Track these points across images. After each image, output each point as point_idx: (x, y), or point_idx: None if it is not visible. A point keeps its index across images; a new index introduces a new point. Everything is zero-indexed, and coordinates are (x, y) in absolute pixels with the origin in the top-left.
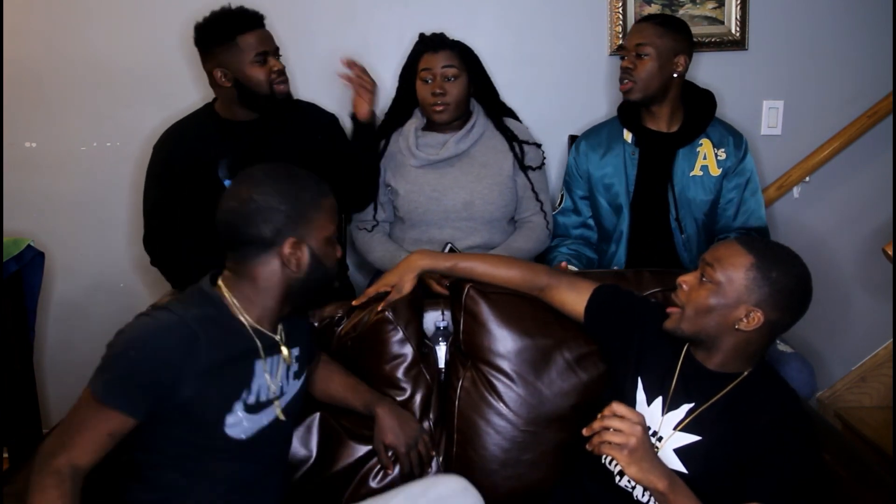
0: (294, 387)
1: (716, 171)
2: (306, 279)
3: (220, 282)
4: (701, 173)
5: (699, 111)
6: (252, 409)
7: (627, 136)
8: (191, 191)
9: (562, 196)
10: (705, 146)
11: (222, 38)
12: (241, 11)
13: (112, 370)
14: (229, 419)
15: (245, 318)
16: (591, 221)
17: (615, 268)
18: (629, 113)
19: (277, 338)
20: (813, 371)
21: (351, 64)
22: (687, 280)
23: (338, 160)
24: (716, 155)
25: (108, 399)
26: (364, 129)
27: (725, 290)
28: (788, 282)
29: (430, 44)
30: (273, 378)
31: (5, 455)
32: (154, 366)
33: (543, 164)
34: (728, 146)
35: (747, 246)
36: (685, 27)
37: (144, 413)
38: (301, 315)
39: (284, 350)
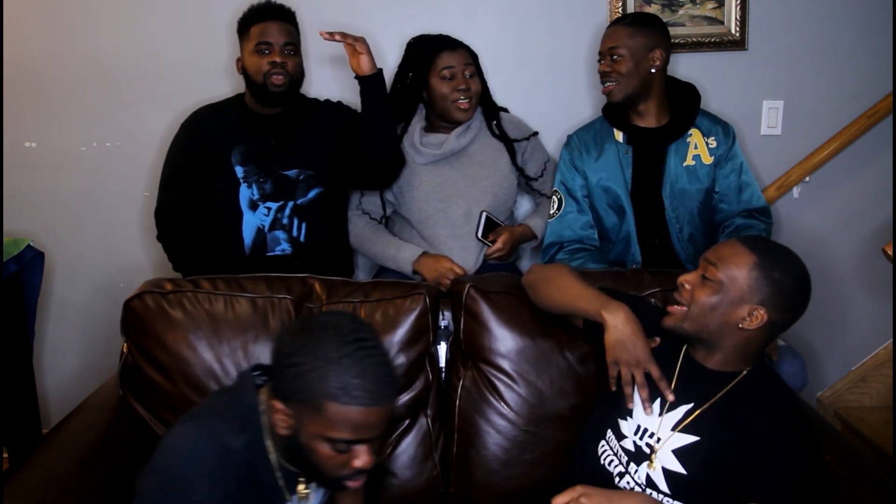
0: None
1: (708, 160)
2: (287, 448)
3: (262, 396)
4: (693, 163)
5: (684, 104)
6: None
7: (618, 135)
8: (204, 171)
9: (559, 200)
10: (695, 136)
11: (242, 29)
12: (264, 5)
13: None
14: None
15: (271, 447)
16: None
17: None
18: (616, 113)
19: (298, 471)
20: (804, 364)
21: (331, 36)
22: (688, 279)
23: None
24: (707, 144)
25: None
26: (373, 84)
27: (728, 289)
28: (790, 282)
29: (446, 43)
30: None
31: (5, 455)
32: (201, 490)
33: (545, 169)
34: (717, 134)
35: (749, 245)
36: (656, 21)
37: None
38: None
39: (301, 488)
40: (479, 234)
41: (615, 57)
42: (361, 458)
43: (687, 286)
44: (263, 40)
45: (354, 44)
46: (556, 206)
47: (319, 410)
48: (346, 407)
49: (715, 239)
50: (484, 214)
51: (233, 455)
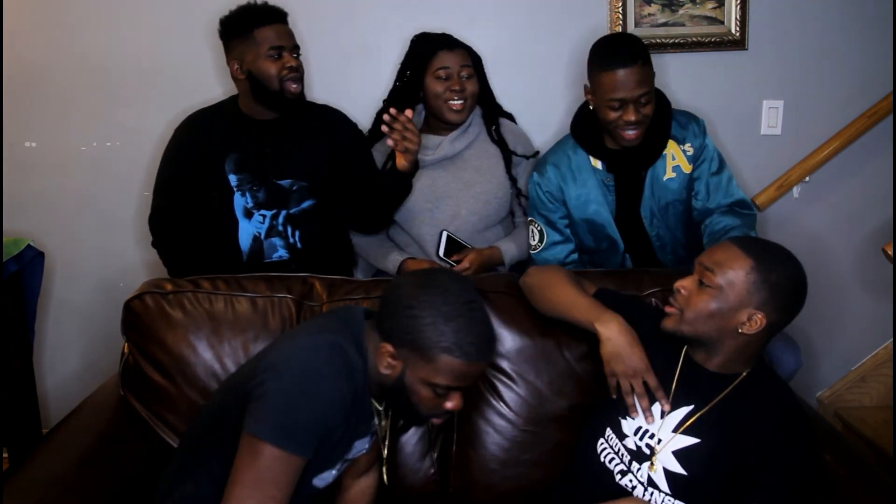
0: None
1: (688, 168)
2: (390, 390)
3: (368, 329)
4: (674, 174)
5: (656, 119)
6: (342, 466)
7: (596, 163)
8: (199, 179)
9: (540, 232)
10: (670, 147)
11: (240, 31)
12: (264, 6)
13: (301, 420)
14: (324, 473)
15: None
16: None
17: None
18: (588, 135)
19: (381, 406)
20: (798, 347)
21: (394, 117)
22: (685, 285)
23: (361, 184)
24: (683, 152)
25: (303, 450)
26: (401, 177)
27: (727, 294)
28: (787, 283)
29: (445, 42)
30: (371, 441)
31: (5, 455)
32: (336, 411)
33: None
34: (690, 137)
35: (745, 248)
36: (643, 44)
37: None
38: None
39: (384, 422)
40: (441, 254)
41: (643, 101)
42: (455, 401)
43: (683, 291)
44: (276, 45)
45: (413, 146)
46: (536, 239)
47: (431, 360)
48: (456, 360)
49: (699, 238)
50: (444, 234)
51: (355, 373)
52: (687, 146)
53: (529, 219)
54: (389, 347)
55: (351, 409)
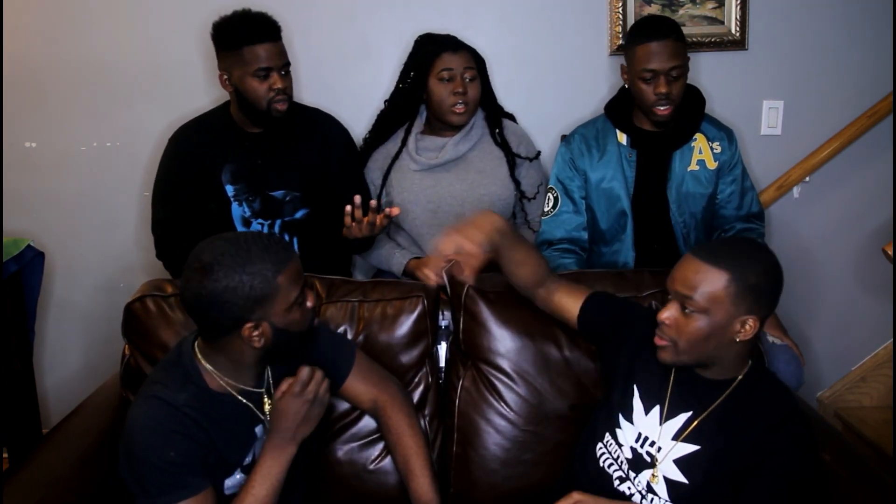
0: None
1: (713, 165)
2: (275, 348)
3: (197, 352)
4: (698, 167)
5: (689, 108)
6: (248, 468)
7: (622, 137)
8: (196, 189)
9: (555, 199)
10: (700, 141)
11: (229, 45)
12: (256, 20)
13: (151, 478)
14: (228, 482)
15: (229, 385)
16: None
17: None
18: (619, 113)
19: (262, 390)
20: (800, 363)
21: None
22: (669, 316)
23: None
24: (711, 149)
25: (179, 494)
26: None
27: (714, 313)
28: (765, 280)
29: (449, 44)
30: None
31: (5, 455)
32: (178, 445)
33: (539, 190)
34: (723, 140)
35: (713, 261)
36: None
37: (204, 478)
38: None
39: (267, 404)
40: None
41: (675, 75)
42: (310, 296)
43: (668, 322)
44: (263, 66)
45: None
46: (551, 204)
47: (277, 291)
48: (286, 270)
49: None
50: (444, 275)
51: (181, 408)
52: (716, 145)
53: (549, 185)
54: (248, 324)
55: (207, 433)
